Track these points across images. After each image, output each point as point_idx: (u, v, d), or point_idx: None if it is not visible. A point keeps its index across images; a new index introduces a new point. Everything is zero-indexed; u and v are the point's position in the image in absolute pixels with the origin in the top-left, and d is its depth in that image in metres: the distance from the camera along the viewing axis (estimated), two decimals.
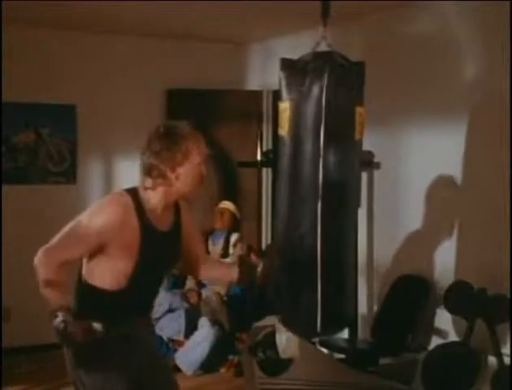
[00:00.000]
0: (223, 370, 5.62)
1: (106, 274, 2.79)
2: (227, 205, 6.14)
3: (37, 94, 6.02)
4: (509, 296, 4.17)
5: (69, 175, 6.25)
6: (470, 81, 4.65)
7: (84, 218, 2.78)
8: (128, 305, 2.83)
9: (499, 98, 4.38)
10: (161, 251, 2.82)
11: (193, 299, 5.87)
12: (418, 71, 4.99)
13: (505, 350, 4.22)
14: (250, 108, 6.62)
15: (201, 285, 5.99)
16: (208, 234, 6.12)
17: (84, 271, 2.87)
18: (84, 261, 2.87)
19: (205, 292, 5.89)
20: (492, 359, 4.22)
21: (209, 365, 5.55)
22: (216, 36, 6.37)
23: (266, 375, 3.75)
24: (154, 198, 2.78)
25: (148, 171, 2.74)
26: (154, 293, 2.98)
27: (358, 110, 3.22)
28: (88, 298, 2.86)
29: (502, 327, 4.25)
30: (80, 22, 5.85)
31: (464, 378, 4.17)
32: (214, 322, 5.63)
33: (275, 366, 3.63)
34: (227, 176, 6.58)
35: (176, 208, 2.91)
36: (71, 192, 6.22)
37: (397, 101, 5.14)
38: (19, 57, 5.88)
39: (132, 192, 2.78)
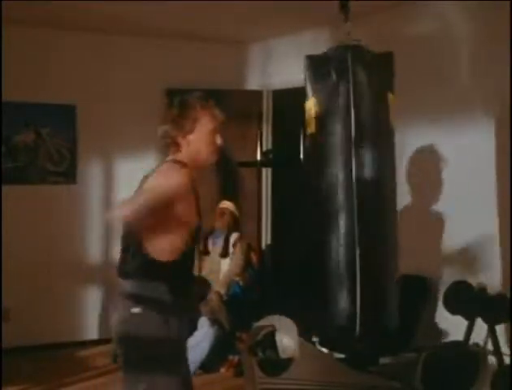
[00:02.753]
0: (222, 369, 5.62)
1: (166, 244, 2.80)
2: (227, 204, 6.14)
3: (37, 94, 6.02)
4: (509, 296, 4.17)
5: (69, 175, 6.25)
6: (471, 81, 4.65)
7: (153, 182, 2.79)
8: (184, 277, 2.88)
9: (499, 98, 4.38)
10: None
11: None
12: (418, 71, 4.99)
13: (505, 350, 4.22)
14: (250, 108, 6.62)
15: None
16: (208, 234, 6.12)
17: (144, 243, 2.83)
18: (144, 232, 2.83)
19: None
20: (492, 359, 4.22)
21: (209, 364, 5.55)
22: (216, 36, 6.37)
23: (266, 375, 3.75)
24: (185, 161, 2.88)
25: (163, 139, 2.90)
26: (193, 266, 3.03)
27: (390, 96, 3.13)
28: (149, 269, 2.83)
29: (502, 326, 4.25)
30: (80, 22, 5.85)
31: (464, 378, 4.16)
32: (214, 321, 5.63)
33: (275, 365, 3.63)
34: (227, 176, 6.58)
35: None
36: (71, 192, 6.22)
37: (398, 101, 5.12)
38: (19, 57, 5.88)
39: (175, 160, 2.88)
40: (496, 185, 4.45)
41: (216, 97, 7.18)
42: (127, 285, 2.86)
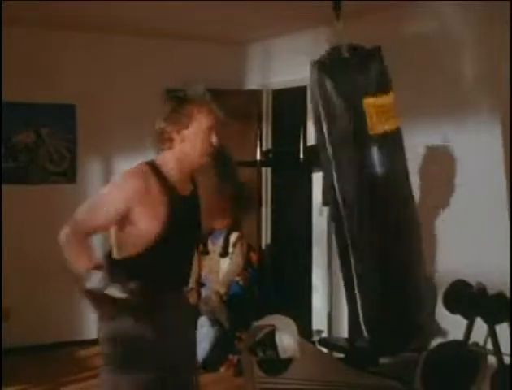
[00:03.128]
0: (222, 369, 5.62)
1: (137, 243, 2.80)
2: None
3: (37, 94, 6.03)
4: (509, 295, 4.17)
5: (69, 174, 6.25)
6: (471, 81, 4.65)
7: (106, 189, 2.87)
8: (160, 275, 2.82)
9: (499, 98, 4.38)
10: (185, 214, 2.87)
11: (193, 298, 5.87)
12: (418, 71, 4.99)
13: (505, 350, 4.22)
14: (250, 108, 6.62)
15: (200, 284, 5.99)
16: (207, 233, 6.13)
17: (113, 248, 2.88)
18: (113, 236, 2.88)
19: (204, 292, 5.89)
20: (492, 359, 4.22)
21: (209, 364, 5.56)
22: (216, 36, 6.37)
23: (266, 375, 3.75)
24: (169, 163, 2.86)
25: (157, 135, 2.87)
26: (185, 264, 2.99)
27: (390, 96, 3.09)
28: (120, 272, 2.80)
29: (502, 326, 4.25)
30: (80, 22, 5.85)
31: (464, 377, 4.16)
32: (214, 321, 5.63)
33: (275, 365, 3.63)
34: (228, 176, 6.57)
35: (193, 180, 3.02)
36: (71, 192, 6.21)
37: (398, 101, 5.13)
38: (19, 57, 5.88)
39: (150, 163, 2.87)
40: (501, 184, 4.45)
41: (216, 97, 7.17)
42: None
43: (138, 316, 2.76)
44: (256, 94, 6.64)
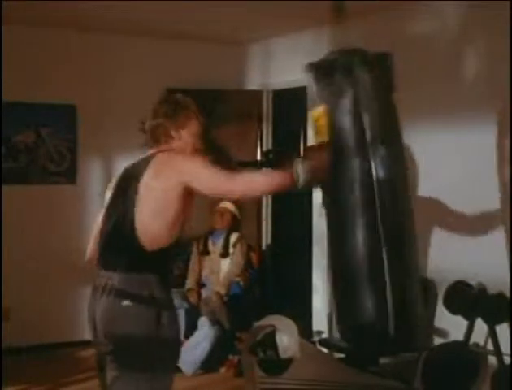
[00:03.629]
0: (223, 369, 5.62)
1: (161, 231, 2.87)
2: (227, 204, 6.14)
3: (37, 94, 6.03)
4: (509, 296, 4.17)
5: (69, 175, 6.25)
6: (471, 81, 4.65)
7: (197, 171, 2.87)
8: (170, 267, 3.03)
9: (500, 98, 4.38)
10: None
11: (193, 299, 5.87)
12: (418, 71, 4.99)
13: (505, 350, 4.22)
14: (250, 108, 6.62)
15: (201, 285, 5.99)
16: (208, 234, 6.13)
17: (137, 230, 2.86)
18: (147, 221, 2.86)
19: (205, 292, 5.89)
20: (492, 359, 4.22)
21: (209, 364, 5.56)
22: (216, 36, 6.37)
23: (266, 375, 3.75)
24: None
25: (153, 131, 2.99)
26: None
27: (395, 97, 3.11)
28: (139, 259, 2.87)
29: (502, 327, 4.25)
30: (80, 22, 5.85)
31: (464, 378, 4.16)
32: (215, 321, 5.63)
33: (276, 365, 3.63)
34: None
35: None
36: (71, 192, 6.22)
37: (398, 101, 5.13)
38: (19, 57, 5.88)
39: (163, 150, 2.98)
40: (499, 184, 4.45)
41: (216, 97, 7.23)
42: (114, 277, 2.85)
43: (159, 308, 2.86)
44: (256, 94, 6.64)
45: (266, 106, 6.69)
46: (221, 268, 6.00)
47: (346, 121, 3.06)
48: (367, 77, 3.07)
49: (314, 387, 3.97)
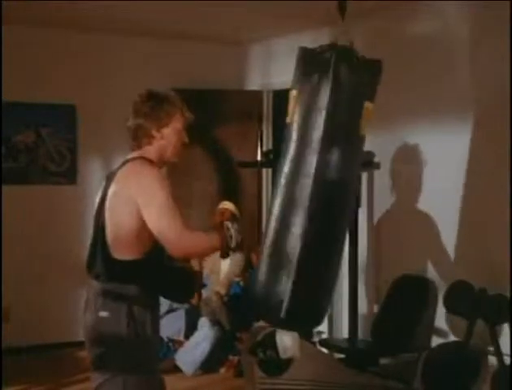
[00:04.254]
0: (223, 370, 5.61)
1: (132, 241, 2.79)
2: (227, 205, 6.13)
3: (37, 94, 6.03)
4: (509, 296, 4.17)
5: (69, 175, 6.25)
6: (472, 81, 4.65)
7: (152, 196, 2.77)
8: (156, 276, 2.87)
9: (500, 98, 4.38)
10: None
11: (193, 299, 5.86)
12: (418, 71, 4.99)
13: (505, 350, 4.22)
14: (250, 108, 6.62)
15: (201, 285, 5.99)
16: None
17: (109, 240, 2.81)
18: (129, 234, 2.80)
19: (205, 292, 5.89)
20: (492, 359, 4.22)
21: (209, 365, 5.55)
22: (216, 36, 6.37)
23: (266, 375, 3.75)
24: (153, 158, 2.92)
25: (134, 132, 2.92)
26: None
27: (366, 105, 3.13)
28: (116, 269, 2.80)
29: (502, 327, 4.25)
30: (81, 22, 5.85)
31: (464, 378, 4.16)
32: (215, 322, 5.63)
33: (276, 366, 3.62)
34: (227, 176, 6.58)
35: None
36: (72, 192, 6.22)
37: (398, 101, 5.13)
38: (19, 57, 5.88)
39: (141, 157, 2.92)
40: (502, 184, 4.45)
41: (216, 97, 7.23)
42: (95, 286, 2.82)
43: (139, 318, 2.81)
44: (257, 95, 6.64)
45: (267, 106, 6.68)
46: (221, 268, 6.00)
47: (316, 115, 3.07)
48: (349, 78, 3.09)
49: (314, 387, 3.97)
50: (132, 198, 2.76)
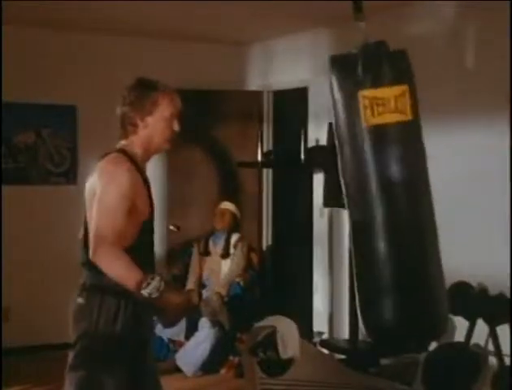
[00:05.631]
0: (223, 370, 5.61)
1: (129, 236, 2.78)
2: (227, 205, 6.14)
3: (37, 94, 6.02)
4: (509, 296, 4.16)
5: (69, 175, 6.24)
6: (472, 81, 4.65)
7: (104, 192, 2.77)
8: (146, 266, 2.78)
9: (500, 98, 4.38)
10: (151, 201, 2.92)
11: (194, 299, 5.86)
12: (418, 71, 4.98)
13: (505, 350, 4.22)
14: (250, 108, 6.62)
15: (201, 285, 5.99)
16: (208, 234, 6.12)
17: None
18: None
19: (205, 293, 5.89)
20: (492, 359, 4.22)
21: (209, 365, 5.55)
22: (216, 36, 6.37)
23: (266, 376, 3.75)
24: (135, 147, 2.91)
25: (121, 120, 2.92)
26: (153, 252, 3.01)
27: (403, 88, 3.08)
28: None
29: (503, 327, 4.25)
30: (81, 22, 5.85)
31: (464, 378, 4.16)
32: (215, 322, 5.63)
33: (276, 366, 3.63)
34: (228, 176, 6.58)
35: None
36: (72, 192, 6.20)
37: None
38: (19, 57, 5.88)
39: (121, 150, 2.92)
40: (502, 184, 4.44)
41: (216, 97, 7.22)
42: (82, 275, 2.95)
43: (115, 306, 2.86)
44: (257, 95, 6.64)
45: (267, 107, 6.68)
46: (221, 269, 6.00)
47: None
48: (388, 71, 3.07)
49: (315, 388, 3.96)
50: (94, 192, 2.82)
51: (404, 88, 3.09)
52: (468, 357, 4.22)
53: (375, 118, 3.00)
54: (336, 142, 3.04)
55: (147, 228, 2.88)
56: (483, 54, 4.57)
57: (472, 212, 4.62)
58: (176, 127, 2.93)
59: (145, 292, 2.63)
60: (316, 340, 5.43)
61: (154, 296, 2.63)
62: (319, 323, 5.84)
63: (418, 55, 4.97)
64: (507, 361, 4.18)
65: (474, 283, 4.29)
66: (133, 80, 2.96)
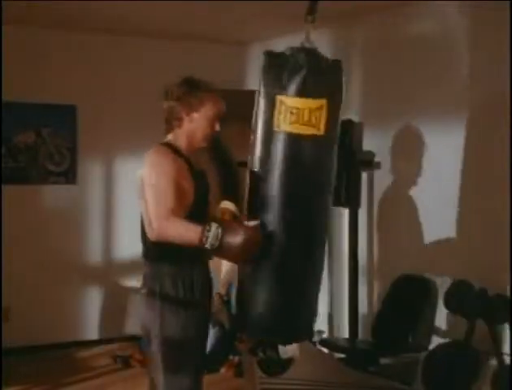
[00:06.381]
0: (223, 370, 5.61)
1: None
2: (227, 205, 6.13)
3: (37, 94, 6.02)
4: (509, 296, 4.17)
5: (69, 175, 6.24)
6: (471, 81, 4.65)
7: (155, 180, 2.92)
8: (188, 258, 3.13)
9: (500, 98, 4.38)
10: (203, 187, 3.23)
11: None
12: (418, 71, 4.99)
13: (505, 350, 4.22)
14: (250, 108, 6.61)
15: None
16: None
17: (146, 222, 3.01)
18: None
19: None
20: (492, 359, 4.22)
21: (209, 365, 5.54)
22: (216, 36, 6.37)
23: (266, 375, 3.75)
24: (180, 139, 3.06)
25: (167, 114, 3.06)
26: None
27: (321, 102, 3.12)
28: (150, 250, 3.05)
29: (502, 327, 4.25)
30: (81, 22, 5.85)
31: (464, 378, 4.16)
32: (215, 322, 5.62)
33: (276, 365, 3.63)
34: (228, 176, 6.57)
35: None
36: (71, 192, 6.22)
37: (398, 101, 5.14)
38: (19, 57, 5.88)
39: (165, 143, 3.06)
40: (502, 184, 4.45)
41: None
42: (144, 268, 3.10)
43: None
44: (256, 95, 6.63)
45: None
46: (221, 268, 5.99)
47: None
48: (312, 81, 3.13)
49: (315, 387, 3.97)
50: (143, 182, 2.97)
51: (322, 102, 3.11)
52: (468, 357, 4.22)
53: (287, 126, 3.09)
54: (251, 138, 3.21)
55: (199, 201, 3.13)
56: (483, 54, 4.57)
57: (472, 212, 4.63)
58: (218, 127, 3.14)
59: (207, 245, 2.87)
60: (316, 339, 5.43)
61: (215, 246, 2.89)
62: (319, 322, 5.84)
63: (418, 55, 5.01)
64: (507, 360, 4.19)
65: (474, 283, 4.30)
66: (182, 77, 3.17)
